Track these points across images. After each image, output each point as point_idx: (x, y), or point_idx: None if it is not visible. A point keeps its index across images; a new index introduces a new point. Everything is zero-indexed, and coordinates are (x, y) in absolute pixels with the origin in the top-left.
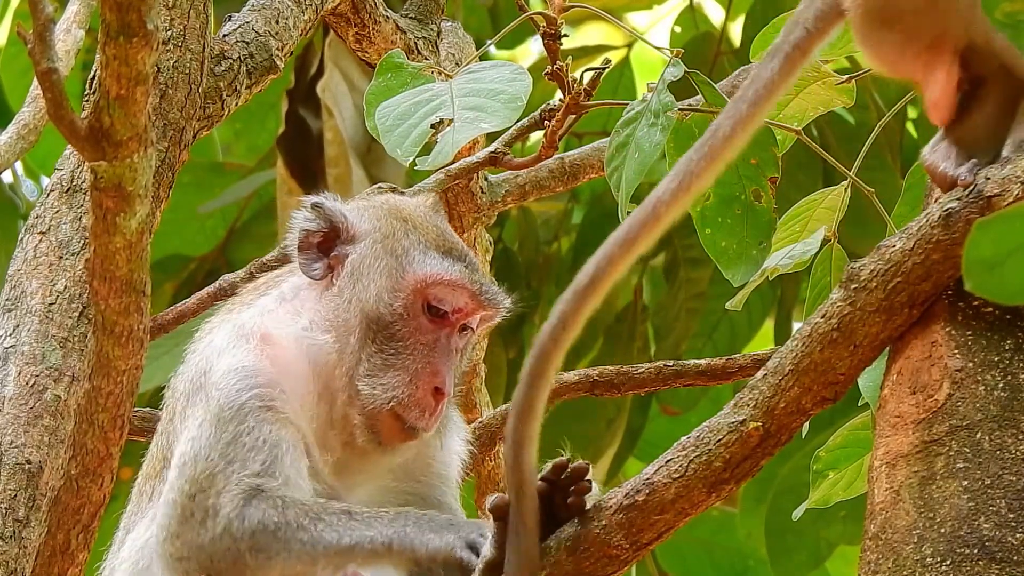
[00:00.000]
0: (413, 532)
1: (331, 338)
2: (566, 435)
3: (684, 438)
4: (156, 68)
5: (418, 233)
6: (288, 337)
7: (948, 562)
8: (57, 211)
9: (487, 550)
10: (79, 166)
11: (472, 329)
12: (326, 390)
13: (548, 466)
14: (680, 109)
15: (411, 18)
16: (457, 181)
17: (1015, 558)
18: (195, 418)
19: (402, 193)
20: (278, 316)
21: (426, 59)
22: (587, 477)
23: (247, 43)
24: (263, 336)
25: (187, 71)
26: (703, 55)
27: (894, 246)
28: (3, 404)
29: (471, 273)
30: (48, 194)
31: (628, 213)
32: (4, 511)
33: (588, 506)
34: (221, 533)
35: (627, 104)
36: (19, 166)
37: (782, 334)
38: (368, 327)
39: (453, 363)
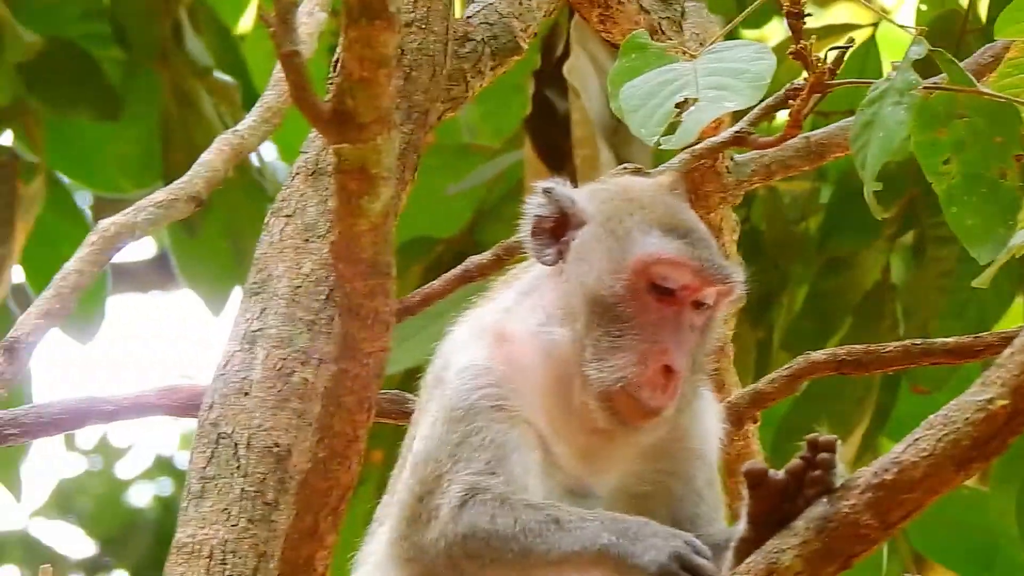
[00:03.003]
0: (618, 544)
1: (566, 330)
2: (816, 414)
3: (932, 416)
4: (400, 50)
5: (643, 212)
6: (524, 333)
7: None
8: (303, 194)
9: (742, 527)
10: (324, 149)
11: (710, 305)
12: (563, 382)
13: (803, 444)
14: (924, 88)
15: None
16: (703, 161)
17: None
18: (431, 414)
19: (647, 174)
20: (516, 312)
21: (670, 39)
22: (835, 451)
23: (491, 25)
24: (498, 333)
25: (431, 53)
26: (949, 33)
27: None
28: (251, 387)
29: (693, 249)
30: (293, 177)
31: (873, 192)
32: (253, 494)
33: (836, 484)
34: (438, 537)
35: (872, 83)
36: (272, 150)
37: None
38: (592, 310)
39: (687, 341)
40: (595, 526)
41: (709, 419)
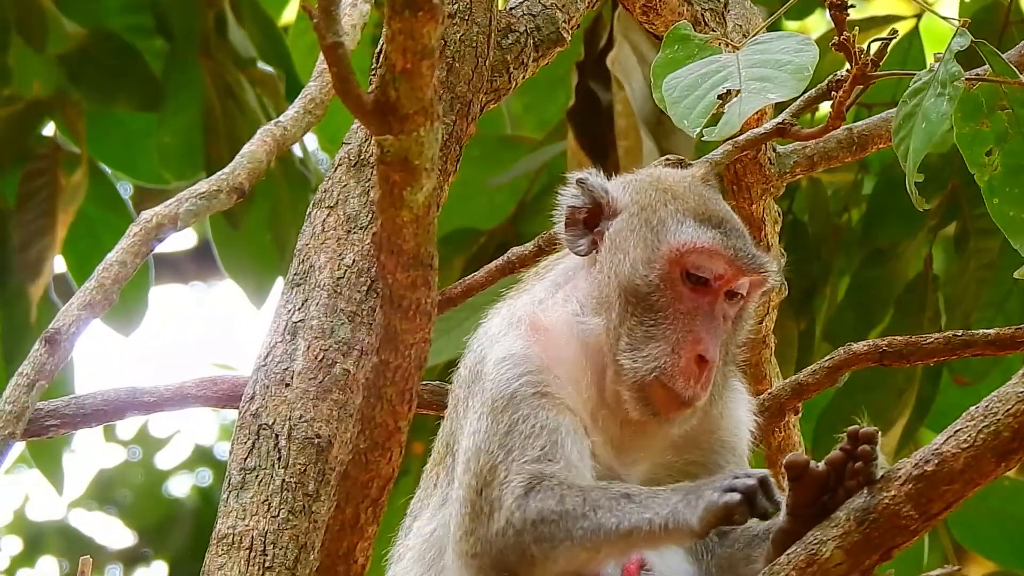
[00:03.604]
0: (685, 507)
1: (600, 320)
2: (857, 406)
3: (972, 408)
4: (443, 41)
5: (677, 203)
6: (559, 323)
7: None
8: (345, 185)
9: (781, 518)
10: (366, 140)
11: (743, 296)
12: (597, 371)
13: (844, 436)
14: (967, 79)
15: None
16: (745, 152)
17: None
18: (474, 410)
19: (689, 165)
20: (550, 303)
21: (713, 31)
22: (876, 442)
23: (534, 16)
24: (533, 323)
25: (474, 44)
26: (991, 25)
27: None
28: (292, 378)
29: (727, 239)
30: (336, 168)
31: (915, 183)
32: (294, 485)
33: (877, 476)
34: (505, 526)
35: (914, 74)
36: (314, 140)
37: None
38: (627, 300)
39: (720, 330)
40: (664, 495)
41: (740, 411)
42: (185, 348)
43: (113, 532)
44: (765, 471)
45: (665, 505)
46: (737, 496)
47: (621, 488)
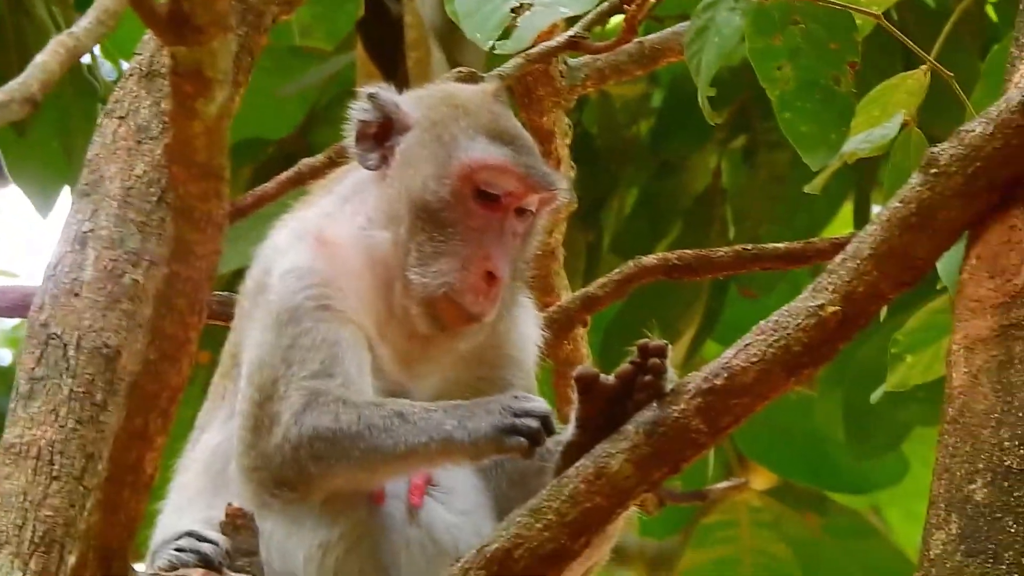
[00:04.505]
0: (460, 431)
1: (388, 234)
2: (645, 319)
3: (763, 322)
4: None
5: (468, 119)
6: (346, 236)
7: None
8: (136, 96)
9: (571, 431)
10: (158, 51)
11: (532, 212)
12: (384, 284)
13: (634, 350)
14: None
15: None
16: (536, 65)
17: None
18: (260, 322)
19: (480, 78)
20: (337, 216)
21: None
22: (666, 356)
23: None
24: (319, 236)
25: None
26: None
27: (973, 131)
28: (81, 288)
29: (518, 156)
30: (127, 79)
31: (707, 97)
32: (82, 395)
33: (667, 389)
34: (282, 442)
35: None
36: (98, 49)
37: (861, 218)
38: (417, 216)
39: (509, 247)
40: (439, 415)
41: (527, 326)
42: None
43: None
44: (545, 407)
45: (439, 429)
46: (523, 441)
47: (395, 406)
